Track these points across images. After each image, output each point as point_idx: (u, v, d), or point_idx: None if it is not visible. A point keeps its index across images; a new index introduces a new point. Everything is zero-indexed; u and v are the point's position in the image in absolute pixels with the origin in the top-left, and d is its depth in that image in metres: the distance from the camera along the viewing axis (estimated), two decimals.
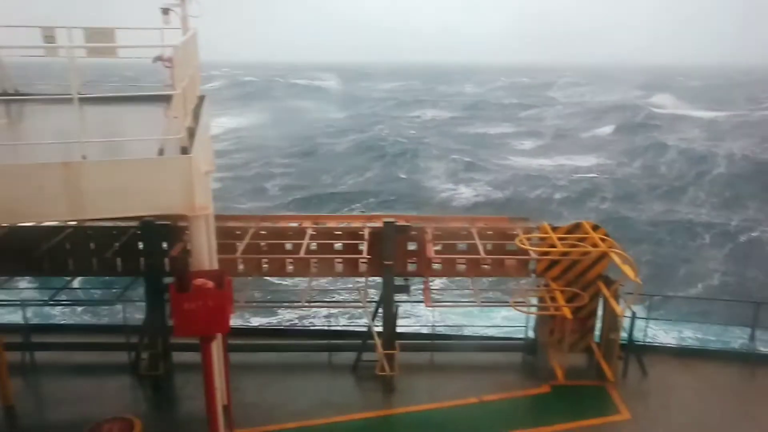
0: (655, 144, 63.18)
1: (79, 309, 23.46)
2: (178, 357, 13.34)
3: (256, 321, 21.48)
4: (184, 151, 7.80)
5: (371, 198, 44.86)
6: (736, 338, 19.60)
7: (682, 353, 14.82)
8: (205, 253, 8.80)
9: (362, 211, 38.47)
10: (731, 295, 26.05)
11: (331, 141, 69.43)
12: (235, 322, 11.17)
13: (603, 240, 12.68)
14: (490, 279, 15.32)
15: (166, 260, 12.58)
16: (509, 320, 18.72)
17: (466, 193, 47.22)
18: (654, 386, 13.16)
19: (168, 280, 12.05)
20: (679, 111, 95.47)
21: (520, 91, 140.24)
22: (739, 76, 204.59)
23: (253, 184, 50.13)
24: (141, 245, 12.71)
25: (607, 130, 77.07)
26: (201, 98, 10.15)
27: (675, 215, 40.39)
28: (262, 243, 12.84)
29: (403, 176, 52.45)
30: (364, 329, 13.63)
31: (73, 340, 14.42)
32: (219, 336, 9.30)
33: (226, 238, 12.57)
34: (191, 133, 8.27)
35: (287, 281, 18.87)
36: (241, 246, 12.54)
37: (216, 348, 9.19)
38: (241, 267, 12.74)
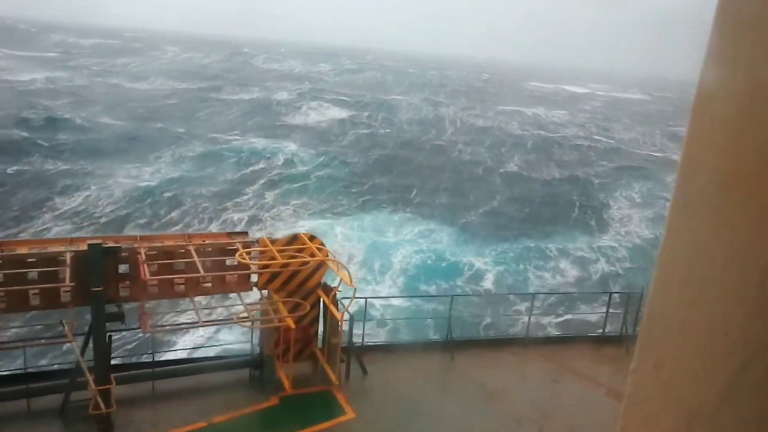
0: None
1: None
2: None
3: None
4: None
5: None
6: (437, 329, 22.05)
7: (396, 349, 16.24)
8: None
9: None
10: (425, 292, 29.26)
11: None
12: None
13: (319, 249, 13.21)
14: (212, 297, 14.92)
15: None
16: (235, 336, 18.43)
17: None
18: (374, 383, 14.12)
19: None
20: None
21: None
22: None
23: None
24: None
25: None
26: None
27: None
28: None
29: None
30: (72, 366, 12.19)
31: None
32: None
33: None
34: None
35: None
36: None
37: None
38: None
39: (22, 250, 11.69)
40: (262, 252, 13.10)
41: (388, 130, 74.27)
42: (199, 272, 12.13)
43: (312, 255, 13.05)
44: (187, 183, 43.01)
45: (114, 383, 11.84)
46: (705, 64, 1.23)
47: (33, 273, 11.25)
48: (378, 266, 31.42)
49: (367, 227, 37.51)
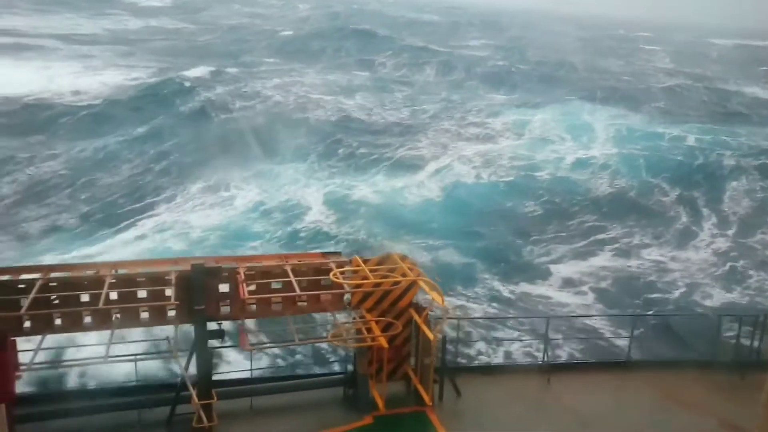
0: None
1: None
2: None
3: (52, 383, 19.18)
4: None
5: None
6: (534, 350, 21.48)
7: (490, 370, 15.94)
8: None
9: None
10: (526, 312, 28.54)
11: None
12: (22, 388, 9.90)
13: (411, 269, 13.25)
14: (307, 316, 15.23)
15: None
16: (330, 355, 18.73)
17: None
18: (468, 405, 13.90)
19: None
20: None
21: None
22: None
23: None
24: None
25: None
26: None
27: None
28: (53, 296, 11.56)
29: None
30: (177, 381, 12.78)
31: None
32: (1, 407, 8.14)
33: (7, 293, 11.15)
34: None
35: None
36: (26, 301, 11.16)
37: None
38: (27, 325, 11.33)
39: (132, 271, 12.49)
40: (354, 272, 13.29)
41: None
42: (295, 291, 12.47)
43: (404, 275, 13.11)
44: None
45: (215, 398, 12.31)
46: None
47: (142, 291, 11.98)
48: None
49: None
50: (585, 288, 31.25)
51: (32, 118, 50.89)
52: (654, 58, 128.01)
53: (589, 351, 23.69)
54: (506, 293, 30.03)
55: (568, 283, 31.66)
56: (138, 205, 36.84)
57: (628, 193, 44.24)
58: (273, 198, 38.10)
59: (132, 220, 34.96)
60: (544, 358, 15.60)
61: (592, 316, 27.55)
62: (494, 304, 28.85)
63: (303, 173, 42.79)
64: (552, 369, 15.37)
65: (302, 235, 34.48)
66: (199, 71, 66.85)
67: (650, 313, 28.63)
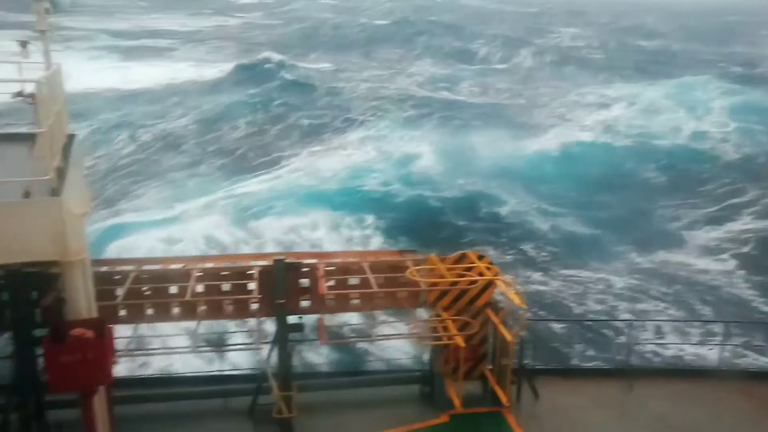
0: None
1: None
2: (55, 415, 12.27)
3: (142, 370, 20.26)
4: (54, 192, 7.33)
5: None
6: (615, 354, 20.77)
7: (568, 373, 15.51)
8: (82, 300, 8.27)
9: None
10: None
11: None
12: (118, 372, 10.50)
13: (488, 269, 13.13)
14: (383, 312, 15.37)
15: (38, 311, 11.63)
16: (405, 352, 18.82)
17: None
18: (546, 408, 13.63)
19: (40, 331, 11.14)
20: None
21: None
22: None
23: None
24: (6, 296, 11.68)
25: None
26: (71, 136, 9.61)
27: None
28: (145, 287, 12.22)
29: None
30: (259, 372, 13.22)
31: None
32: (101, 389, 8.69)
33: (105, 284, 11.85)
34: (61, 173, 7.78)
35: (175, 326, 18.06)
36: (121, 291, 11.85)
37: (98, 402, 8.57)
38: (122, 314, 12.02)
39: (218, 265, 13.03)
40: (431, 270, 13.31)
41: None
42: (372, 288, 12.64)
43: (481, 274, 13.01)
44: None
45: (295, 390, 12.65)
46: None
47: (226, 285, 12.47)
48: None
49: None
50: (725, 255, 30.55)
51: (165, 92, 62.71)
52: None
53: (676, 356, 22.74)
54: (646, 264, 29.68)
55: (706, 251, 30.99)
56: (265, 159, 43.39)
57: (756, 159, 43.33)
58: (390, 151, 42.20)
59: (263, 168, 41.23)
60: (627, 362, 15.08)
61: (679, 320, 26.38)
62: (635, 276, 28.49)
63: (413, 137, 45.79)
64: (635, 374, 14.84)
65: (414, 178, 37.23)
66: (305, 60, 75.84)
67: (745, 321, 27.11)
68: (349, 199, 34.66)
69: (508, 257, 30.61)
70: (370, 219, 32.45)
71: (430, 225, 32.79)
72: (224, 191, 35.97)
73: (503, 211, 34.80)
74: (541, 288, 27.84)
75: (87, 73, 63.50)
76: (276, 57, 70.86)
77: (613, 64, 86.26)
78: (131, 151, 45.26)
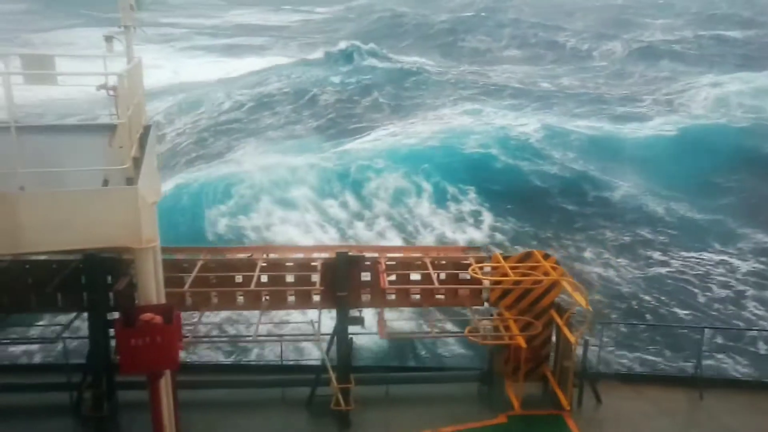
0: None
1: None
2: (124, 396, 12.77)
3: (206, 356, 20.85)
4: (130, 181, 7.58)
5: None
6: (684, 362, 19.99)
7: (633, 379, 15.01)
8: (152, 286, 8.52)
9: None
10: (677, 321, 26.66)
11: None
12: (184, 357, 10.83)
13: (554, 268, 12.83)
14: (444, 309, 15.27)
15: (111, 295, 12.11)
16: (465, 350, 18.67)
17: None
18: (608, 414, 13.24)
19: (113, 315, 11.58)
20: None
21: None
22: None
23: None
24: (83, 279, 12.21)
25: None
26: (147, 127, 9.94)
27: None
28: (211, 276, 12.52)
29: None
30: (318, 363, 13.36)
31: (7, 380, 13.64)
32: (167, 373, 8.95)
33: (173, 271, 12.21)
34: (137, 163, 8.05)
35: (238, 315, 18.46)
36: (189, 279, 12.18)
37: (164, 385, 8.83)
38: (189, 301, 12.36)
39: (282, 256, 13.22)
40: (494, 268, 13.12)
41: None
42: (433, 284, 12.56)
43: (546, 273, 12.73)
44: None
45: (353, 383, 12.72)
46: None
47: (290, 276, 12.65)
48: None
49: None
50: None
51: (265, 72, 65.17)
52: None
53: (752, 367, 21.66)
54: None
55: None
56: (359, 125, 45.98)
57: None
58: (490, 121, 43.34)
59: (358, 133, 43.59)
60: (696, 371, 14.48)
61: (756, 330, 25.15)
62: (762, 259, 27.83)
63: (511, 116, 46.32)
64: (706, 384, 14.23)
65: (512, 142, 38.22)
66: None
67: None
68: (450, 161, 35.53)
69: (626, 238, 30.24)
70: (471, 193, 33.23)
71: (537, 208, 33.07)
72: (323, 151, 37.93)
73: (616, 195, 34.56)
74: (662, 270, 27.36)
75: (190, 67, 68.70)
76: (364, 47, 72.40)
77: (712, 54, 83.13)
78: (229, 108, 49.51)
